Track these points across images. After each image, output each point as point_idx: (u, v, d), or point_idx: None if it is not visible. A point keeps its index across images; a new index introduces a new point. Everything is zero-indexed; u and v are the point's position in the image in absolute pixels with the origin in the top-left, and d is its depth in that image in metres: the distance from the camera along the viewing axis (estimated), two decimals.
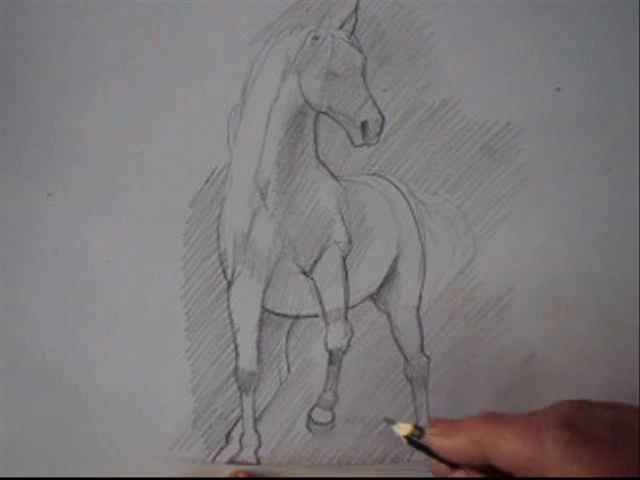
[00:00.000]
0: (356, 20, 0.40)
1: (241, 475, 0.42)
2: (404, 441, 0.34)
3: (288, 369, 0.43)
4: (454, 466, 0.32)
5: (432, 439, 0.33)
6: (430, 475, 0.34)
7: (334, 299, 0.42)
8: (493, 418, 0.31)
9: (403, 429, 0.34)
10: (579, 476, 0.27)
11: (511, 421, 0.30)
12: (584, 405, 0.30)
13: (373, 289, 0.42)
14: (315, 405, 0.43)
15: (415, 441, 0.34)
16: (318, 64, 0.40)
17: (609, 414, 0.30)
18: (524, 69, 0.41)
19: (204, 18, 0.40)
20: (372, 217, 0.42)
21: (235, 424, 0.42)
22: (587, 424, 0.29)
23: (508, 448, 0.29)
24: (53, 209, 0.41)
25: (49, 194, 0.41)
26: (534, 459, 0.28)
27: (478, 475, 0.31)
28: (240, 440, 0.42)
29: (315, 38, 0.40)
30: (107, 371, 0.42)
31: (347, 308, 0.42)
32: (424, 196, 0.42)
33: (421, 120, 0.41)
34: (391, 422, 0.35)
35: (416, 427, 0.34)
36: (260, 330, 0.42)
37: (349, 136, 0.41)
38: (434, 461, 0.33)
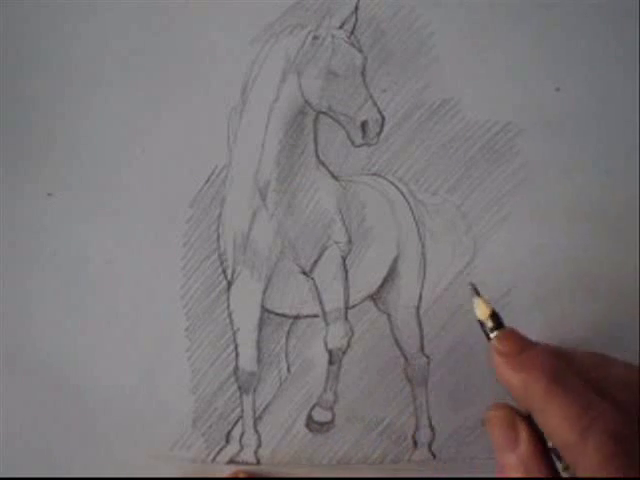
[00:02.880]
0: (356, 20, 0.40)
1: (241, 475, 0.42)
2: (481, 318, 0.32)
3: (288, 369, 0.43)
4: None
5: (494, 355, 0.30)
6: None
7: (334, 299, 0.42)
8: (554, 377, 0.29)
9: (483, 310, 0.32)
10: None
11: (568, 395, 0.28)
12: (634, 419, 0.29)
13: (373, 289, 0.42)
14: (315, 405, 0.43)
15: (483, 328, 0.32)
16: (318, 64, 0.40)
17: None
18: (524, 69, 0.41)
19: (204, 18, 0.40)
20: (372, 217, 0.42)
21: (235, 424, 0.42)
22: (633, 440, 0.27)
23: (554, 423, 0.28)
24: (53, 209, 0.41)
25: (49, 194, 0.41)
26: (573, 448, 0.27)
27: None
28: (240, 440, 0.42)
29: (315, 38, 0.40)
30: (107, 371, 0.42)
31: (347, 308, 0.42)
32: (424, 196, 0.42)
33: (421, 120, 0.41)
34: (476, 291, 0.33)
35: (494, 315, 0.32)
36: (260, 330, 0.42)
37: (349, 136, 0.41)
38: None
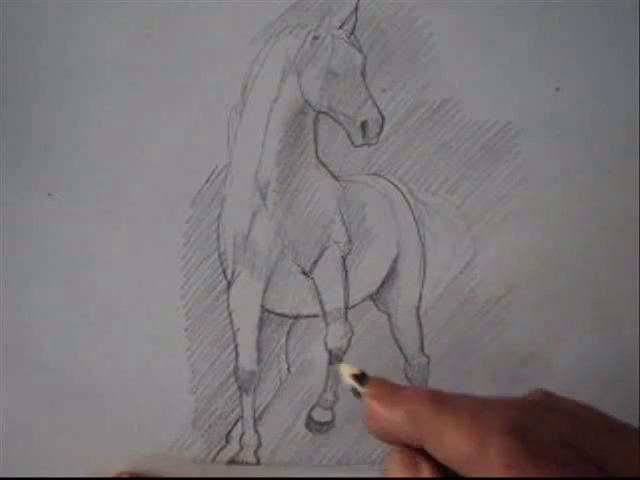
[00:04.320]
0: (356, 20, 0.40)
1: (124, 476, 0.42)
2: (347, 386, 0.30)
3: (288, 369, 0.43)
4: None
5: (369, 401, 0.29)
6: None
7: (334, 299, 0.42)
8: (438, 399, 0.28)
9: (346, 371, 0.30)
10: None
11: (457, 410, 0.27)
12: (537, 409, 0.28)
13: (373, 289, 0.42)
14: (315, 405, 0.43)
15: (355, 391, 0.30)
16: (318, 64, 0.40)
17: (565, 423, 0.28)
18: (524, 69, 0.40)
19: (204, 18, 0.40)
20: (372, 217, 0.42)
21: (235, 424, 0.42)
22: (539, 434, 0.27)
23: (449, 441, 0.26)
24: (53, 209, 0.41)
25: (49, 194, 0.41)
26: (475, 461, 0.26)
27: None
28: (240, 440, 0.43)
29: (315, 38, 0.40)
30: (107, 371, 0.42)
31: (347, 308, 0.42)
32: (424, 196, 0.42)
33: (421, 120, 0.41)
34: (339, 361, 0.32)
35: (358, 375, 0.30)
36: (260, 330, 0.42)
37: (349, 136, 0.41)
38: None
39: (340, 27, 0.40)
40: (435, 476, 0.27)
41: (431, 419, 0.27)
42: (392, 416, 0.28)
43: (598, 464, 0.26)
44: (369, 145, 0.41)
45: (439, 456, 0.27)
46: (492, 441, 0.26)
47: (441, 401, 0.28)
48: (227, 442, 0.43)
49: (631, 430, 0.28)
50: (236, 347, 0.42)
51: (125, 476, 0.42)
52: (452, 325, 0.42)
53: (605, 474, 0.26)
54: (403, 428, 0.28)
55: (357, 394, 0.30)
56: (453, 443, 0.26)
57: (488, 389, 0.42)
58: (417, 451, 0.28)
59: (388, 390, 0.29)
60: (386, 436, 0.29)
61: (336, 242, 0.42)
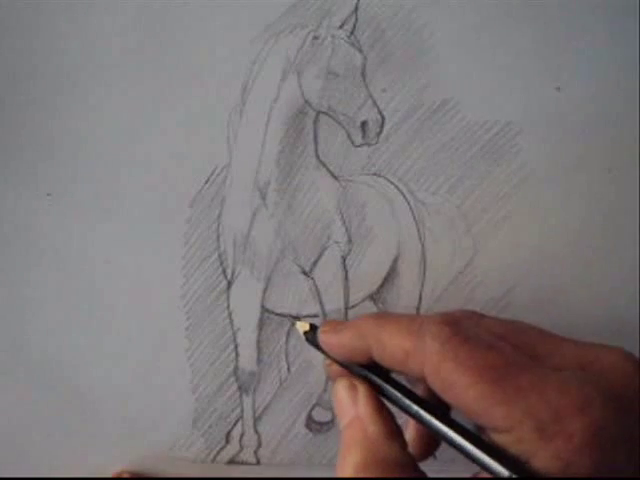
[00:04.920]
0: (356, 20, 0.40)
1: (125, 475, 0.42)
2: (303, 338, 0.35)
3: (288, 369, 0.43)
4: (344, 366, 0.32)
5: (321, 335, 0.33)
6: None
7: (334, 299, 0.42)
8: (381, 315, 0.31)
9: (302, 327, 0.35)
10: (451, 374, 0.27)
11: (398, 317, 0.30)
12: (476, 313, 0.30)
13: (373, 289, 0.42)
14: (315, 405, 0.43)
15: (310, 339, 0.34)
16: (318, 64, 0.40)
17: (499, 325, 0.29)
18: (524, 69, 0.40)
19: (204, 18, 0.40)
20: (372, 217, 0.42)
21: (235, 424, 0.42)
22: (471, 327, 0.29)
23: (389, 341, 0.29)
24: (53, 209, 0.41)
25: (49, 194, 0.41)
26: (412, 353, 0.28)
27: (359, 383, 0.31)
28: (240, 440, 0.43)
29: (315, 38, 0.40)
30: (107, 371, 0.42)
31: (347, 308, 0.42)
32: (424, 196, 0.42)
33: (421, 120, 0.41)
34: (295, 319, 0.36)
35: (311, 325, 0.34)
36: (260, 330, 0.42)
37: (349, 136, 0.41)
38: (327, 361, 0.33)
39: (340, 27, 0.40)
40: (369, 393, 0.31)
41: (374, 328, 0.30)
42: (342, 338, 0.31)
43: (533, 358, 0.27)
44: (369, 145, 0.41)
45: (385, 360, 0.30)
46: (427, 331, 0.28)
47: (381, 315, 0.32)
48: (227, 442, 0.43)
49: (562, 336, 0.30)
50: (236, 347, 0.42)
51: (125, 476, 0.42)
52: None
53: (537, 363, 0.27)
54: (352, 344, 0.31)
55: (309, 341, 0.34)
56: (393, 342, 0.29)
57: None
58: (355, 377, 0.31)
59: (337, 322, 0.33)
60: (339, 357, 0.32)
61: (336, 242, 0.42)
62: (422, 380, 0.28)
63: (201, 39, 0.40)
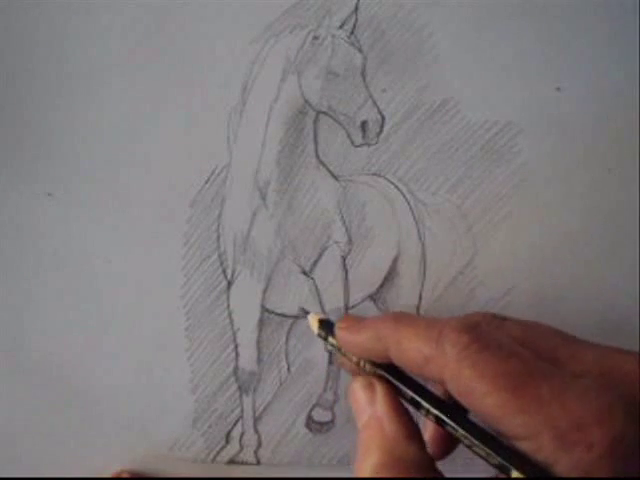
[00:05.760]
0: (356, 20, 0.40)
1: (125, 475, 0.42)
2: (315, 332, 0.34)
3: (288, 369, 0.43)
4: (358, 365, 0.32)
5: (339, 332, 0.33)
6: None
7: (334, 299, 0.42)
8: (399, 317, 0.31)
9: (314, 322, 0.34)
10: (470, 381, 0.26)
11: (416, 321, 0.30)
12: (496, 317, 0.30)
13: (373, 289, 0.42)
14: (315, 405, 0.43)
15: (325, 335, 0.34)
16: (318, 64, 0.40)
17: (519, 329, 0.29)
18: (524, 69, 0.40)
19: (204, 18, 0.40)
20: (372, 217, 0.42)
21: (235, 424, 0.42)
22: (491, 332, 0.28)
23: (408, 346, 0.29)
24: (53, 209, 0.41)
25: (49, 194, 0.41)
26: (431, 359, 0.28)
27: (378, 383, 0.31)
28: (240, 440, 0.43)
29: (315, 38, 0.40)
30: (107, 371, 0.42)
31: (347, 308, 0.42)
32: (424, 196, 0.42)
33: (421, 120, 0.41)
34: (306, 313, 0.36)
35: (325, 321, 0.34)
36: (260, 330, 0.42)
37: (349, 136, 0.41)
38: (341, 357, 0.33)
39: (340, 27, 0.40)
40: (387, 392, 0.30)
41: (392, 331, 0.30)
42: (360, 339, 0.31)
43: (553, 363, 0.27)
44: (369, 145, 0.41)
45: (403, 363, 0.30)
46: (446, 337, 0.28)
47: (400, 317, 0.31)
48: (227, 442, 0.43)
49: (581, 339, 0.29)
50: (236, 347, 0.42)
51: (125, 476, 0.42)
52: None
53: (559, 369, 0.27)
54: (370, 345, 0.31)
55: (324, 338, 0.34)
56: (412, 346, 0.29)
57: None
58: (374, 376, 0.31)
59: (355, 320, 0.32)
60: (356, 355, 0.32)
61: (336, 242, 0.42)
62: (442, 383, 0.28)
63: (201, 39, 0.40)
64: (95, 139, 0.41)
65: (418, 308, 0.42)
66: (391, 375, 0.31)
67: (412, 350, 0.29)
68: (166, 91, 0.40)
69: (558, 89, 0.41)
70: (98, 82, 0.40)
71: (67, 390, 0.42)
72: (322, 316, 0.35)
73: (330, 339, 0.34)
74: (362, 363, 0.32)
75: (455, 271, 0.42)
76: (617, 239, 0.41)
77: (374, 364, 0.32)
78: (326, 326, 0.34)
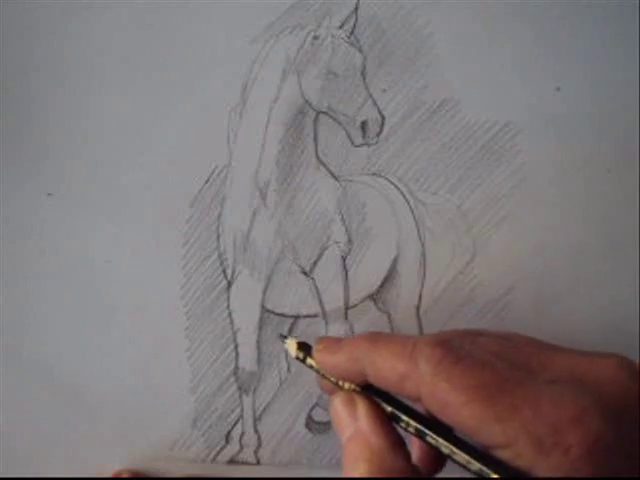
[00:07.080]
0: (356, 20, 0.40)
1: (125, 475, 0.42)
2: (293, 355, 0.35)
3: (288, 369, 0.43)
4: (338, 386, 0.32)
5: (316, 355, 0.33)
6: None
7: (334, 299, 0.42)
8: (374, 337, 0.31)
9: (292, 346, 0.35)
10: (445, 394, 0.27)
11: (391, 339, 0.30)
12: (470, 332, 0.30)
13: (373, 289, 0.42)
14: (315, 405, 0.43)
15: (303, 357, 0.34)
16: (318, 64, 0.40)
17: (494, 343, 0.29)
18: (524, 69, 0.41)
19: (204, 18, 0.40)
20: (372, 217, 0.42)
21: (235, 424, 0.42)
22: (464, 346, 0.28)
23: (383, 365, 0.29)
24: (53, 209, 0.41)
25: (49, 194, 0.41)
26: (407, 376, 0.28)
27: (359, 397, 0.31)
28: (240, 440, 0.42)
29: (315, 38, 0.40)
30: (107, 371, 0.42)
31: (347, 308, 0.42)
32: (424, 196, 0.42)
33: (421, 120, 0.41)
34: (284, 338, 0.36)
35: (303, 344, 0.34)
36: (260, 330, 0.42)
37: (349, 136, 0.41)
38: (321, 378, 0.33)
39: (340, 27, 0.40)
40: (369, 406, 0.30)
41: (367, 351, 0.30)
42: (337, 360, 0.32)
43: (527, 372, 0.27)
44: (369, 145, 0.41)
45: (379, 382, 0.30)
46: (420, 353, 0.28)
47: (375, 337, 0.31)
48: (227, 442, 0.43)
49: (557, 346, 0.30)
50: (236, 347, 0.42)
51: (125, 476, 0.42)
52: (452, 325, 0.42)
53: (533, 377, 0.27)
54: (347, 366, 0.31)
55: (301, 361, 0.34)
56: (387, 365, 0.29)
57: None
58: (355, 392, 0.31)
59: (332, 341, 0.33)
60: (334, 377, 0.32)
61: (336, 242, 0.42)
62: (419, 401, 0.28)
63: (201, 39, 0.40)
64: (95, 139, 0.41)
65: (418, 308, 0.42)
66: (369, 392, 0.31)
67: (387, 369, 0.29)
68: (166, 91, 0.40)
69: (558, 89, 0.41)
70: (98, 82, 0.40)
71: (67, 390, 0.42)
72: (299, 339, 0.35)
73: (309, 360, 0.34)
74: (341, 383, 0.32)
75: (455, 271, 0.42)
76: (616, 239, 0.41)
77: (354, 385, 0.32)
78: (304, 348, 0.34)
